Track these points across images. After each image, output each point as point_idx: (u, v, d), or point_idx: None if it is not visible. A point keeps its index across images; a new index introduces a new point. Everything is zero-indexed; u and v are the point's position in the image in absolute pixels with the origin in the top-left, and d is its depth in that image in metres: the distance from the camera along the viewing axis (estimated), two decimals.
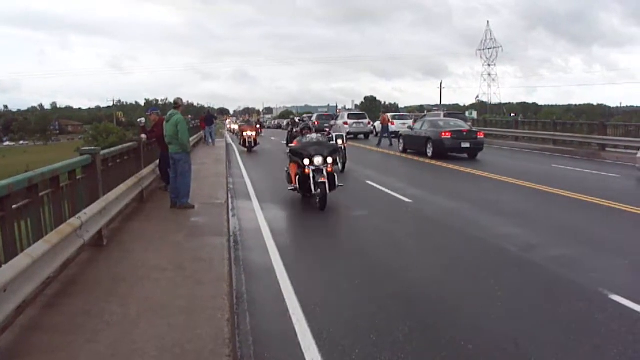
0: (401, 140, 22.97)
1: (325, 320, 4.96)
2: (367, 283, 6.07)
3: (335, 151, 10.95)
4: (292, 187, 10.96)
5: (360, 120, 33.62)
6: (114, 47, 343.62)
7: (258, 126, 27.34)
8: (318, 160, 10.26)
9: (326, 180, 10.05)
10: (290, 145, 11.50)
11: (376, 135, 32.59)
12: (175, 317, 4.62)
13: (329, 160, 10.41)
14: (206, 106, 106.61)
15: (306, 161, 10.27)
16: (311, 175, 10.17)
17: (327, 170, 10.25)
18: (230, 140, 35.13)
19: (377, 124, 36.56)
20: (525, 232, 8.33)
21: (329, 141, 12.20)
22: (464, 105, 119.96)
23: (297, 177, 10.67)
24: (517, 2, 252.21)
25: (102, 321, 4.52)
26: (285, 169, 11.77)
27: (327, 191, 10.07)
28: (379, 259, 7.14)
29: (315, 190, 10.09)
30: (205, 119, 29.21)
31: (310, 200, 10.76)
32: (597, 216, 9.70)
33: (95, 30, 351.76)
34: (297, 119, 30.07)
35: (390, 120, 32.33)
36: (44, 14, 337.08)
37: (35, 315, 4.66)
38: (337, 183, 10.51)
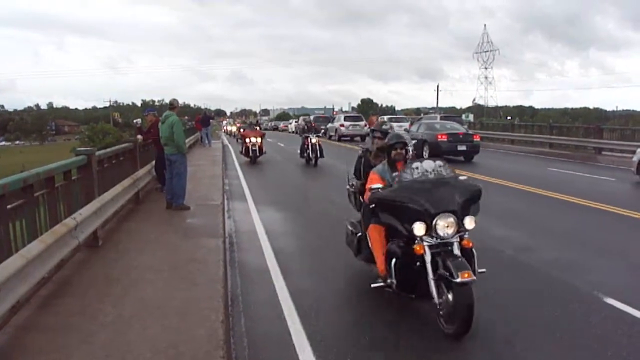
0: None
1: (320, 323, 4.96)
2: (361, 286, 6.06)
3: (477, 198, 5.06)
4: (382, 282, 5.13)
5: (356, 123, 33.73)
6: (110, 48, 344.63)
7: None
8: (445, 224, 4.66)
9: (471, 277, 4.35)
10: (373, 188, 5.20)
11: None
12: (170, 318, 4.61)
13: (469, 222, 4.80)
14: (203, 107, 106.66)
15: (418, 228, 4.65)
16: (428, 258, 4.65)
17: (462, 243, 4.77)
18: (226, 142, 35.12)
19: None
20: (521, 234, 8.35)
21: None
22: (461, 108, 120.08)
23: (394, 259, 4.93)
24: (513, 5, 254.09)
25: (96, 322, 4.51)
26: (348, 226, 6.37)
27: (473, 301, 4.36)
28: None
29: (439, 295, 4.63)
30: (202, 120, 29.18)
31: (306, 201, 9.00)
32: (592, 219, 9.72)
33: (91, 31, 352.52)
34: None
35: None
36: (40, 15, 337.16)
37: (29, 316, 4.65)
38: (477, 268, 4.82)
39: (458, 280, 4.34)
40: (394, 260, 4.93)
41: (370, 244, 5.52)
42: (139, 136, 11.18)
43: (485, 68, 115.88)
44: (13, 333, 4.30)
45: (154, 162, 11.48)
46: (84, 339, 4.18)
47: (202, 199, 10.64)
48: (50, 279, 5.48)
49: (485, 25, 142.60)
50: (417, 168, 5.07)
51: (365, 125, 34.48)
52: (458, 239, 4.74)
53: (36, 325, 4.48)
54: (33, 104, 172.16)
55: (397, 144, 5.60)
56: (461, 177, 5.36)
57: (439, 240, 4.67)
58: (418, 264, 4.74)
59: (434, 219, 4.64)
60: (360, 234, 5.99)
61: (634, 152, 15.64)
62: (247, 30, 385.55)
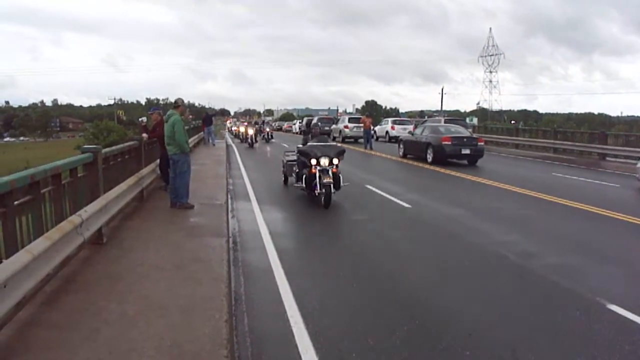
0: (401, 145, 23.04)
1: (323, 323, 4.97)
2: (365, 287, 6.09)
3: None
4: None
5: (360, 124, 33.81)
6: (111, 46, 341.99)
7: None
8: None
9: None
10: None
11: (377, 139, 33.45)
12: (174, 316, 4.64)
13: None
14: (207, 107, 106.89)
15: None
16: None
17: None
18: (230, 142, 35.24)
19: (377, 128, 36.79)
20: (524, 239, 8.34)
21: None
22: (465, 112, 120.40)
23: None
24: (517, 9, 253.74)
25: (100, 319, 4.54)
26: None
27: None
28: (378, 263, 7.15)
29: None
30: (204, 119, 29.35)
31: (310, 202, 10.42)
32: (596, 225, 9.71)
33: (90, 28, 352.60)
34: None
35: (392, 125, 32.56)
36: (41, 12, 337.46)
37: (34, 312, 4.68)
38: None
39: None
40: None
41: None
42: (144, 135, 11.21)
43: (490, 72, 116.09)
44: (18, 328, 4.32)
45: (158, 160, 11.51)
46: (87, 335, 4.21)
47: (206, 198, 10.66)
48: (55, 275, 5.50)
49: (490, 28, 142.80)
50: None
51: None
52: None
53: (41, 321, 4.51)
54: (37, 100, 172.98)
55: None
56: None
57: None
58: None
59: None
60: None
61: (638, 159, 15.64)
62: (247, 31, 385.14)
